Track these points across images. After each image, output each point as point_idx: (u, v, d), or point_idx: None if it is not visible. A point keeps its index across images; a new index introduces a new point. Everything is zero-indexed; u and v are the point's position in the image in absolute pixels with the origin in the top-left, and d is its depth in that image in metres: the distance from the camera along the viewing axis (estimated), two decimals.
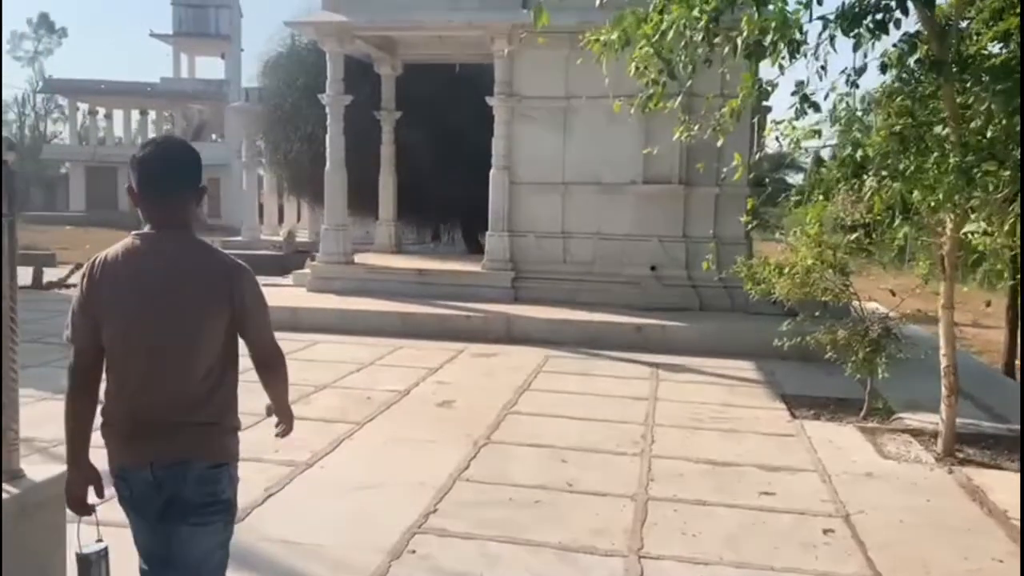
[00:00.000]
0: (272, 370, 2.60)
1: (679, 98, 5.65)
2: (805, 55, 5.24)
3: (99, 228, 30.22)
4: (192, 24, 44.94)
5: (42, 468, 3.18)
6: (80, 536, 2.47)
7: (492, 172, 11.24)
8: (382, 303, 10.55)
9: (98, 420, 2.46)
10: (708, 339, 9.39)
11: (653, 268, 10.99)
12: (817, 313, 6.94)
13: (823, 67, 5.24)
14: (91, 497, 2.49)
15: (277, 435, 2.76)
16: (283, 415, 2.74)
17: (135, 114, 46.68)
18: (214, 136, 46.13)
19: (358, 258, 12.47)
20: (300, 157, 14.14)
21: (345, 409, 6.62)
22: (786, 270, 6.73)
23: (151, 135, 46.53)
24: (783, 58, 5.21)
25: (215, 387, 2.44)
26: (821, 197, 6.20)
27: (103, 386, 2.46)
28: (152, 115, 47.78)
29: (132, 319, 2.37)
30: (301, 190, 15.78)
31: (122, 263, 2.40)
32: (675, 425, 6.41)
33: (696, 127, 6.02)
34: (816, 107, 5.35)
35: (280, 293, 11.61)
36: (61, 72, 60.02)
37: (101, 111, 47.22)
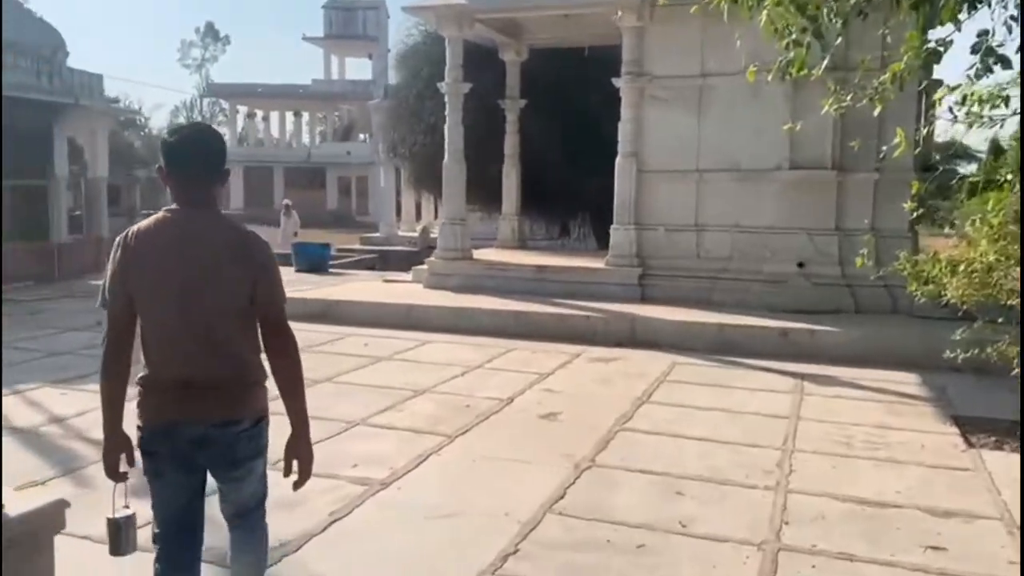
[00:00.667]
0: (282, 349, 2.65)
1: (826, 62, 4.65)
2: (988, 3, 4.14)
3: (254, 224, 31.24)
4: (342, 27, 46.26)
5: (22, 500, 2.70)
6: (115, 502, 2.62)
7: (618, 159, 10.40)
8: (497, 301, 9.94)
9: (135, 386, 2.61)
10: (864, 346, 8.18)
11: (801, 265, 9.80)
12: (1000, 319, 5.71)
13: (1013, 17, 4.13)
14: (122, 465, 2.64)
15: (295, 486, 2.72)
16: (301, 445, 2.68)
17: (289, 116, 48.59)
18: (362, 136, 47.41)
19: (478, 254, 11.94)
20: (424, 150, 13.82)
21: (439, 419, 6.02)
22: (961, 267, 5.56)
23: (304, 136, 48.54)
24: (959, 8, 4.12)
25: (251, 349, 2.65)
26: (1008, 180, 5.02)
27: (143, 352, 2.60)
28: (305, 116, 49.69)
29: (173, 287, 2.53)
30: (426, 184, 15.48)
31: (155, 236, 2.57)
32: (819, 451, 5.40)
33: (849, 96, 4.98)
34: (1005, 62, 4.22)
35: (397, 290, 11.27)
36: (224, 78, 63.41)
37: (259, 113, 49.51)
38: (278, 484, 2.81)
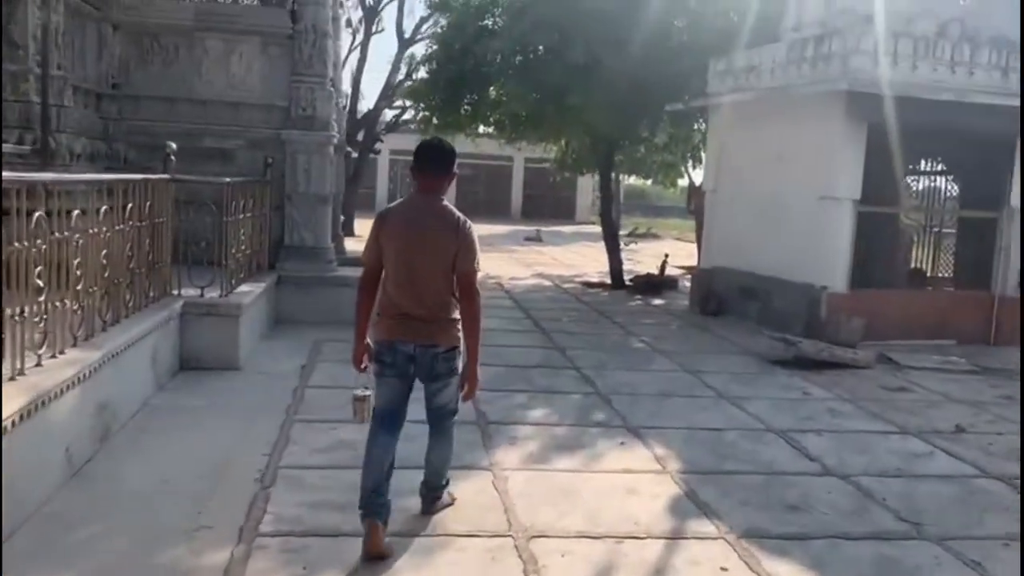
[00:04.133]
0: (468, 298, 3.82)
1: None
2: None
3: None
4: None
5: None
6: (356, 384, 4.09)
7: None
8: None
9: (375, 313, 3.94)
10: None
11: None
12: None
13: None
14: (364, 362, 3.99)
15: (464, 397, 4.05)
16: (470, 365, 3.93)
17: None
18: None
19: None
20: None
21: None
22: None
23: None
24: None
25: (452, 297, 3.84)
26: None
27: (383, 292, 3.90)
28: None
29: (405, 248, 3.78)
30: None
31: (400, 213, 3.91)
32: None
33: None
34: None
35: None
36: None
37: None
38: None
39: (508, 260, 19.74)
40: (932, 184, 11.75)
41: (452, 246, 3.75)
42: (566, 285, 15.09)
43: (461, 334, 3.89)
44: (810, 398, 7.28)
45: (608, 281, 15.21)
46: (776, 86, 10.76)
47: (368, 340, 3.94)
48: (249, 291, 7.60)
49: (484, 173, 43.19)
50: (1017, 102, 9.86)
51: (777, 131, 10.96)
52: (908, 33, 9.80)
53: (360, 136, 23.72)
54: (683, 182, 22.45)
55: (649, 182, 32.73)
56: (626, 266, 16.45)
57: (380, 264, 3.84)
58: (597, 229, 30.24)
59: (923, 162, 12.02)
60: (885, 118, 9.57)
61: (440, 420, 4.03)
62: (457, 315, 3.85)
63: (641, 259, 18.87)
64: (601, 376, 7.60)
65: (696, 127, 15.84)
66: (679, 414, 6.52)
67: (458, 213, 3.85)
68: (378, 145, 26.64)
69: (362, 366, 3.97)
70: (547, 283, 15.35)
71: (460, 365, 3.97)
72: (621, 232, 34.76)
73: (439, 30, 15.16)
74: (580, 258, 21.40)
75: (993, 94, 9.83)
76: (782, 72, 10.71)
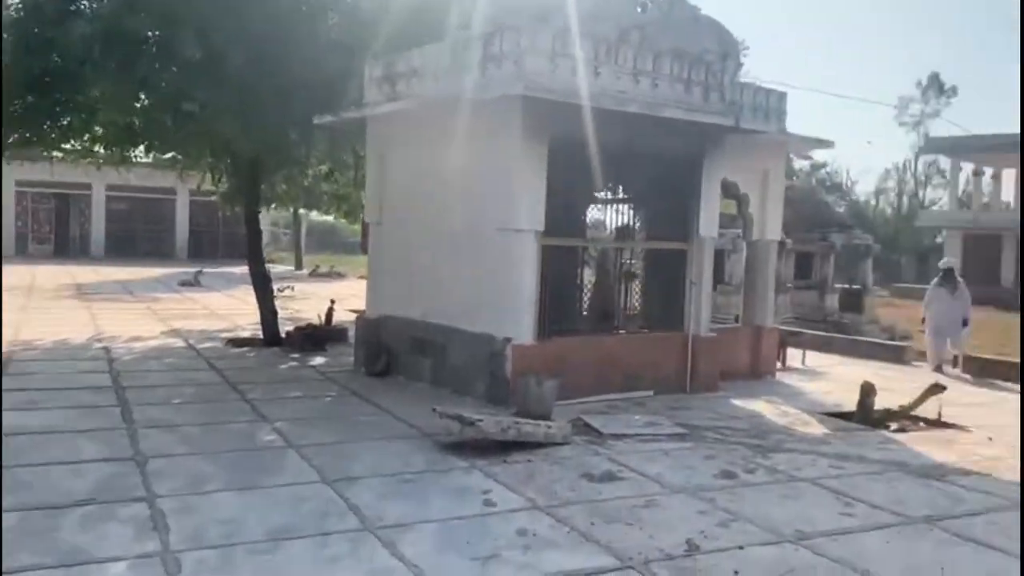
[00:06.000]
0: None
1: None
2: None
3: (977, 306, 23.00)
4: None
5: None
6: None
7: None
8: None
9: None
10: None
11: None
12: None
13: None
14: None
15: None
16: None
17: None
18: None
19: None
20: None
21: None
22: None
23: None
24: None
25: None
26: None
27: None
28: None
29: None
30: None
31: None
32: None
33: None
34: None
35: None
36: (946, 133, 54.75)
37: (988, 171, 40.47)
38: None
39: (142, 313, 15.98)
40: (623, 212, 10.43)
41: None
42: (204, 344, 11.95)
43: None
44: (494, 512, 5.13)
45: (261, 336, 12.35)
46: (442, 93, 8.79)
47: None
48: None
49: (139, 208, 37.81)
50: (700, 118, 8.80)
51: (446, 150, 8.96)
52: (590, 34, 8.31)
53: None
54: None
55: (334, 217, 30.33)
56: (288, 314, 13.71)
57: None
58: (277, 268, 27.09)
59: (616, 187, 10.70)
60: (568, 132, 7.96)
61: None
62: None
63: (304, 307, 16.09)
64: (186, 509, 4.85)
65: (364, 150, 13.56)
66: None
67: None
68: None
69: None
70: (179, 343, 12.07)
71: None
72: (303, 271, 31.95)
73: (13, 14, 11.43)
74: (241, 305, 18.11)
75: (676, 108, 8.65)
76: (447, 77, 8.77)
